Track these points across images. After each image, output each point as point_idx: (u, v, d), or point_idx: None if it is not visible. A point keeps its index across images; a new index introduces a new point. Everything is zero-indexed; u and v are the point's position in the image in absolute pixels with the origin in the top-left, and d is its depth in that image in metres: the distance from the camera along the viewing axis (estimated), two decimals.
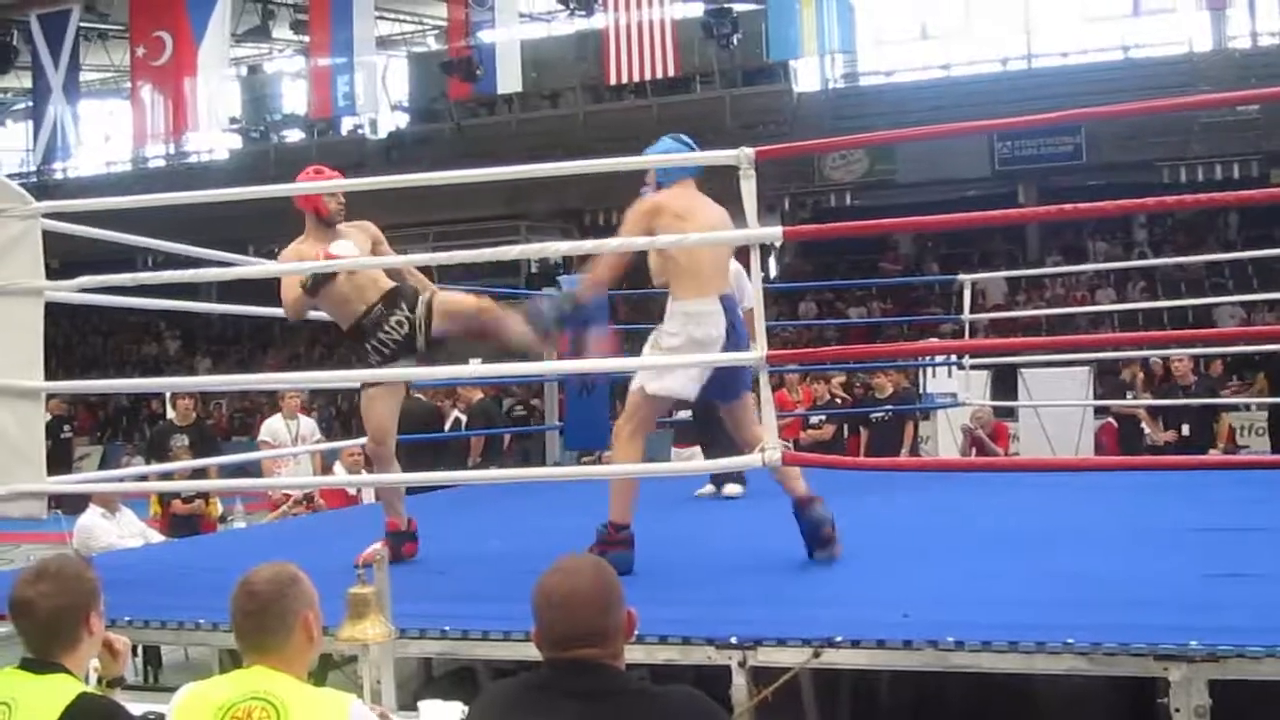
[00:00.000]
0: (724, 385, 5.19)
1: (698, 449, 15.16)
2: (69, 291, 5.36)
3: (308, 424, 10.63)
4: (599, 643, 2.52)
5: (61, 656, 2.92)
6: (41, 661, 2.92)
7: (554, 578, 2.59)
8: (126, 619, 4.43)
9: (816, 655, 3.76)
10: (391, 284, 5.86)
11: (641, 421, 5.29)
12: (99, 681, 3.14)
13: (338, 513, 8.99)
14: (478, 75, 19.74)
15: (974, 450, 11.34)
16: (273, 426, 10.42)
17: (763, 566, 5.43)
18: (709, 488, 7.94)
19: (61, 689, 2.85)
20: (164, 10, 19.93)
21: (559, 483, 8.55)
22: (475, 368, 9.47)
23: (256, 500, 10.53)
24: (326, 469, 10.15)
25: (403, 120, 29.58)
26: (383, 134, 28.60)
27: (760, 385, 4.47)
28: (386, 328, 5.73)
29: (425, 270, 6.17)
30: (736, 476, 7.74)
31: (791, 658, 3.79)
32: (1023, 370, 12.97)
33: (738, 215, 4.52)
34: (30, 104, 24.58)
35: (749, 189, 4.32)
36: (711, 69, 25.83)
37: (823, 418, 12.15)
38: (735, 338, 5.09)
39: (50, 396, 7.93)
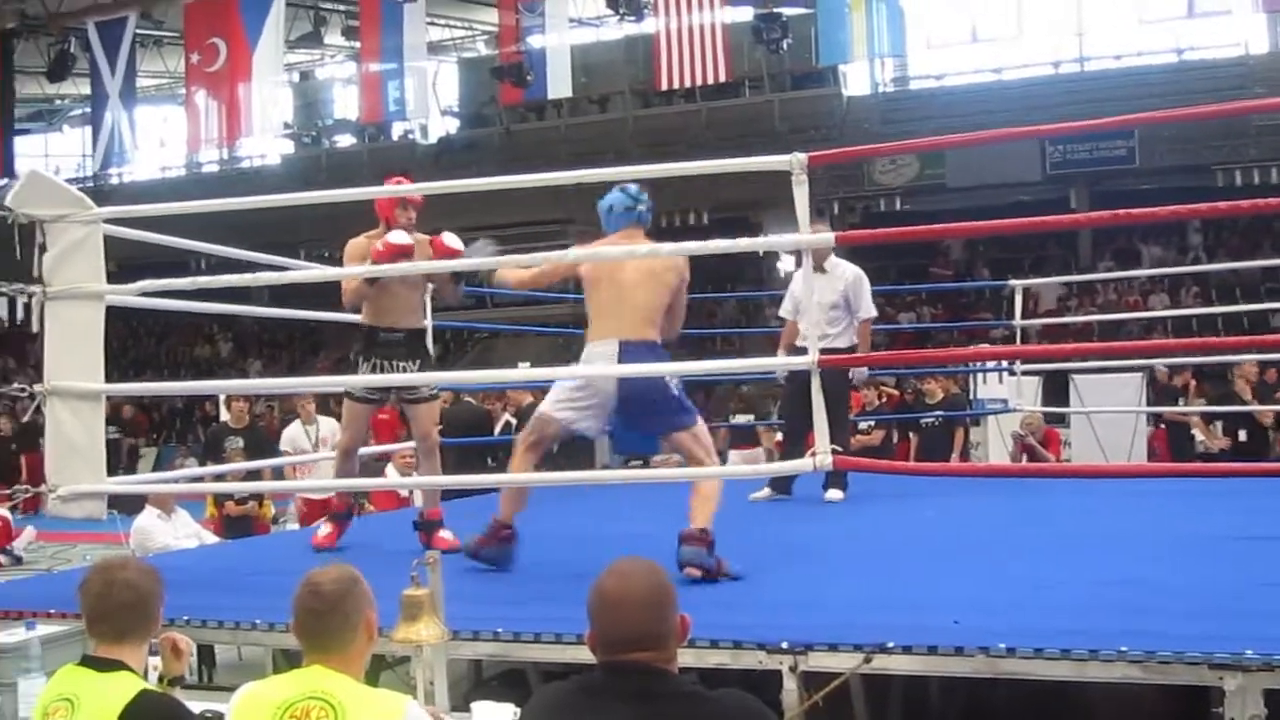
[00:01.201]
0: (654, 423, 5.34)
1: (759, 450, 15.25)
2: (129, 295, 5.44)
3: (328, 426, 10.61)
4: (653, 646, 2.53)
5: (124, 653, 2.98)
6: (103, 659, 2.97)
7: (609, 581, 2.60)
8: (185, 619, 4.49)
9: (868, 660, 3.76)
10: (421, 325, 6.24)
11: (534, 438, 5.46)
12: (159, 680, 3.19)
13: (387, 515, 9.06)
14: (528, 80, 19.83)
15: (1024, 456, 11.26)
16: (292, 434, 10.42)
17: (813, 571, 5.43)
18: (765, 491, 7.83)
19: (123, 686, 2.90)
20: (219, 17, 20.17)
21: (607, 486, 8.57)
22: (525, 371, 9.53)
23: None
24: (374, 473, 10.21)
25: (453, 125, 29.77)
26: (433, 139, 28.79)
27: (813, 390, 4.48)
28: (385, 365, 6.02)
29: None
30: (837, 482, 7.64)
31: (843, 663, 3.79)
32: (1074, 376, 12.85)
33: (792, 218, 4.52)
34: (88, 110, 24.92)
35: (801, 194, 4.33)
36: (761, 73, 25.80)
37: (872, 423, 12.10)
38: (630, 384, 5.17)
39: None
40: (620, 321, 5.27)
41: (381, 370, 6.03)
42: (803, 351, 7.43)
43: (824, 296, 7.53)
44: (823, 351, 7.21)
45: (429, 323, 6.64)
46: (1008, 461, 11.47)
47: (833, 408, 7.57)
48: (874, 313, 7.95)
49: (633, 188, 5.58)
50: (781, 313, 8.15)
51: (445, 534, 6.10)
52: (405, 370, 6.05)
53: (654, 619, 2.55)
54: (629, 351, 5.18)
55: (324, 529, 6.44)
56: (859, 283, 7.79)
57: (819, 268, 7.53)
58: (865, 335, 7.85)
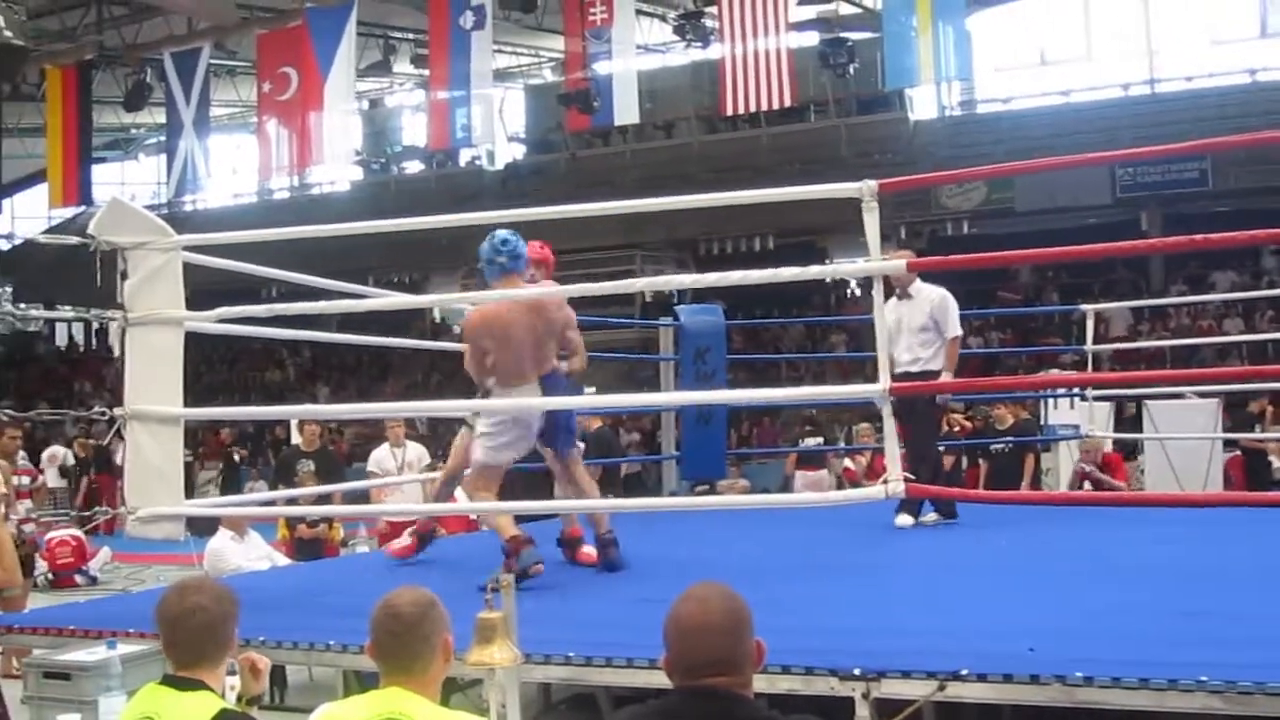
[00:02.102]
0: (555, 440, 6.24)
1: (824, 473, 15.19)
2: (208, 321, 5.53)
3: (415, 450, 10.71)
4: (729, 671, 2.53)
5: (202, 673, 3.01)
6: (183, 678, 3.01)
7: (687, 606, 2.59)
8: (260, 639, 4.54)
9: (942, 688, 3.73)
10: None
11: (482, 484, 6.18)
12: (238, 699, 3.23)
13: (457, 539, 9.10)
14: (595, 107, 19.93)
15: (1085, 485, 11.01)
16: (378, 456, 10.52)
17: (886, 598, 5.40)
18: (905, 518, 7.82)
19: (203, 705, 2.93)
20: (290, 47, 20.49)
21: (675, 512, 8.56)
22: (592, 398, 9.55)
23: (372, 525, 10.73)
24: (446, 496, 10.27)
25: (519, 151, 30.01)
26: (499, 165, 29.03)
27: (884, 417, 4.46)
28: None
29: None
30: (943, 510, 7.84)
31: (916, 690, 3.76)
32: (1148, 402, 12.67)
33: (858, 243, 4.52)
34: (163, 139, 25.42)
35: (872, 221, 4.33)
36: (826, 98, 25.76)
37: (941, 449, 12.00)
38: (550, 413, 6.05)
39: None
40: (534, 364, 5.97)
41: None
42: (901, 379, 7.55)
43: (913, 320, 7.83)
44: (918, 374, 7.61)
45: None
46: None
47: (920, 432, 7.74)
48: (960, 331, 8.06)
49: (500, 236, 5.95)
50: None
51: (587, 549, 6.51)
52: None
53: (731, 644, 2.55)
54: (547, 384, 5.97)
55: (404, 540, 6.95)
56: (945, 303, 7.91)
57: (905, 294, 7.86)
58: (953, 354, 7.93)
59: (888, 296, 7.98)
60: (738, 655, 2.55)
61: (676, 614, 2.58)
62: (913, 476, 6.37)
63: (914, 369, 7.79)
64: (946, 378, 7.82)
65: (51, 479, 18.11)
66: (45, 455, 18.78)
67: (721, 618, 2.56)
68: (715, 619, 2.55)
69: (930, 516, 7.85)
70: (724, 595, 2.61)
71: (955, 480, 11.71)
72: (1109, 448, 11.87)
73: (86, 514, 8.16)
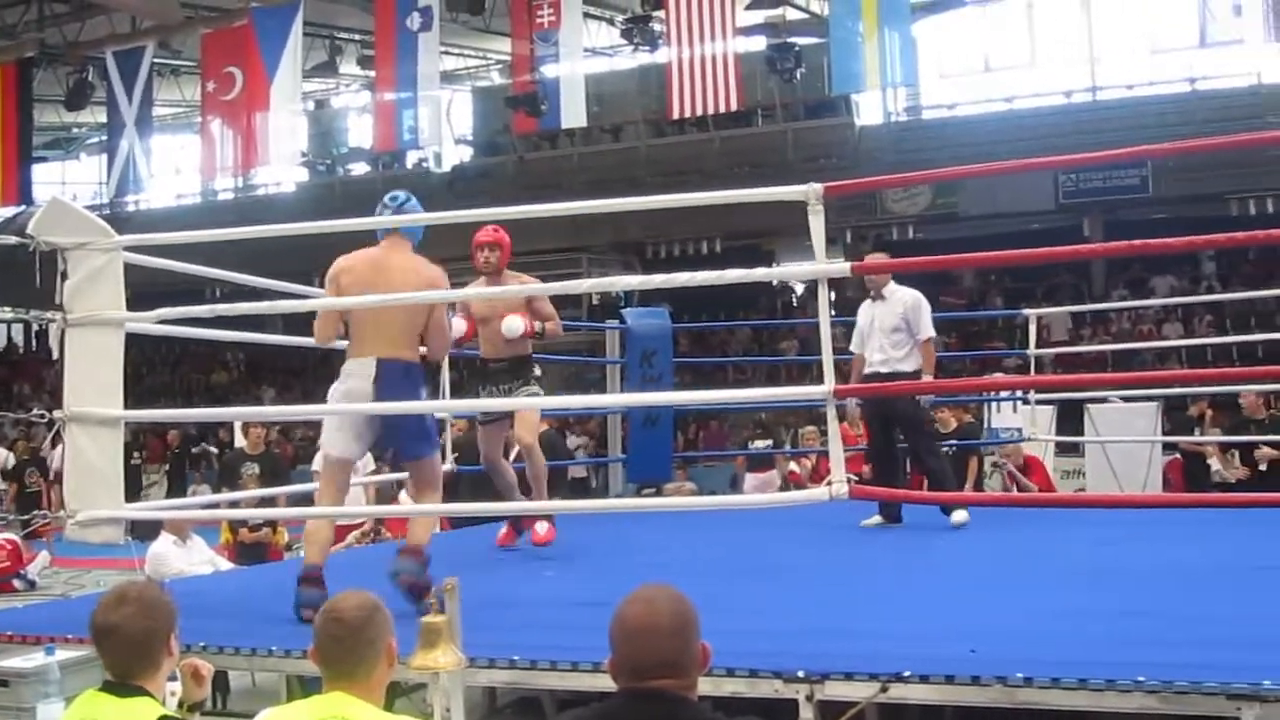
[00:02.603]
0: (396, 442, 5.58)
1: (773, 473, 15.24)
2: (149, 322, 5.48)
3: None
4: (676, 674, 2.53)
5: (142, 679, 2.98)
6: (123, 684, 2.98)
7: (634, 608, 2.59)
8: (201, 644, 4.50)
9: (884, 690, 3.76)
10: (522, 351, 6.93)
11: (325, 477, 5.63)
12: (179, 705, 3.20)
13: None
14: (542, 110, 19.88)
15: (1014, 486, 11.09)
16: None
17: (830, 600, 5.44)
18: (876, 519, 7.95)
19: (143, 711, 2.91)
20: (236, 47, 20.28)
21: (620, 515, 8.57)
22: (538, 399, 9.52)
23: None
24: (388, 499, 10.21)
25: (466, 154, 29.90)
26: (446, 167, 28.92)
27: (829, 419, 4.49)
28: (492, 390, 6.97)
29: None
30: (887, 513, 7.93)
31: (859, 692, 3.79)
32: (1089, 405, 12.83)
33: (804, 247, 4.54)
34: (104, 138, 25.08)
35: (817, 224, 4.36)
36: (774, 102, 25.87)
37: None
38: (388, 396, 5.22)
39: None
40: (378, 341, 5.28)
41: (489, 395, 7.00)
42: (869, 380, 7.85)
43: (885, 321, 8.01)
44: (889, 375, 7.78)
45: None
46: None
47: (913, 436, 8.07)
48: (933, 333, 8.16)
49: (394, 196, 5.65)
50: (852, 347, 8.40)
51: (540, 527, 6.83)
52: (509, 394, 6.87)
53: (678, 646, 2.55)
54: (386, 371, 5.24)
55: (504, 529, 7.35)
56: (918, 305, 8.03)
57: (878, 295, 8.05)
58: (928, 355, 8.03)
59: (861, 299, 8.17)
60: (684, 658, 2.55)
61: (623, 615, 2.58)
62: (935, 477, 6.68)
63: (884, 369, 7.92)
64: (927, 378, 7.97)
65: None
66: None
67: (668, 620, 2.56)
68: (662, 620, 2.55)
69: (874, 520, 7.92)
70: (671, 597, 2.61)
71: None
72: (1050, 451, 12.00)
73: (25, 518, 8.03)
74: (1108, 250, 13.59)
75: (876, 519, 7.93)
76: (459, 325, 6.70)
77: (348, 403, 5.27)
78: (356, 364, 5.27)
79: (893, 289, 8.07)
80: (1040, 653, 3.96)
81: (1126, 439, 12.53)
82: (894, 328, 7.96)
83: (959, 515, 7.70)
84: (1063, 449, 13.22)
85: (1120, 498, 8.35)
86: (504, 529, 7.33)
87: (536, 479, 6.86)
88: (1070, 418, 13.36)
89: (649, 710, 2.51)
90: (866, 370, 8.07)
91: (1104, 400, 12.74)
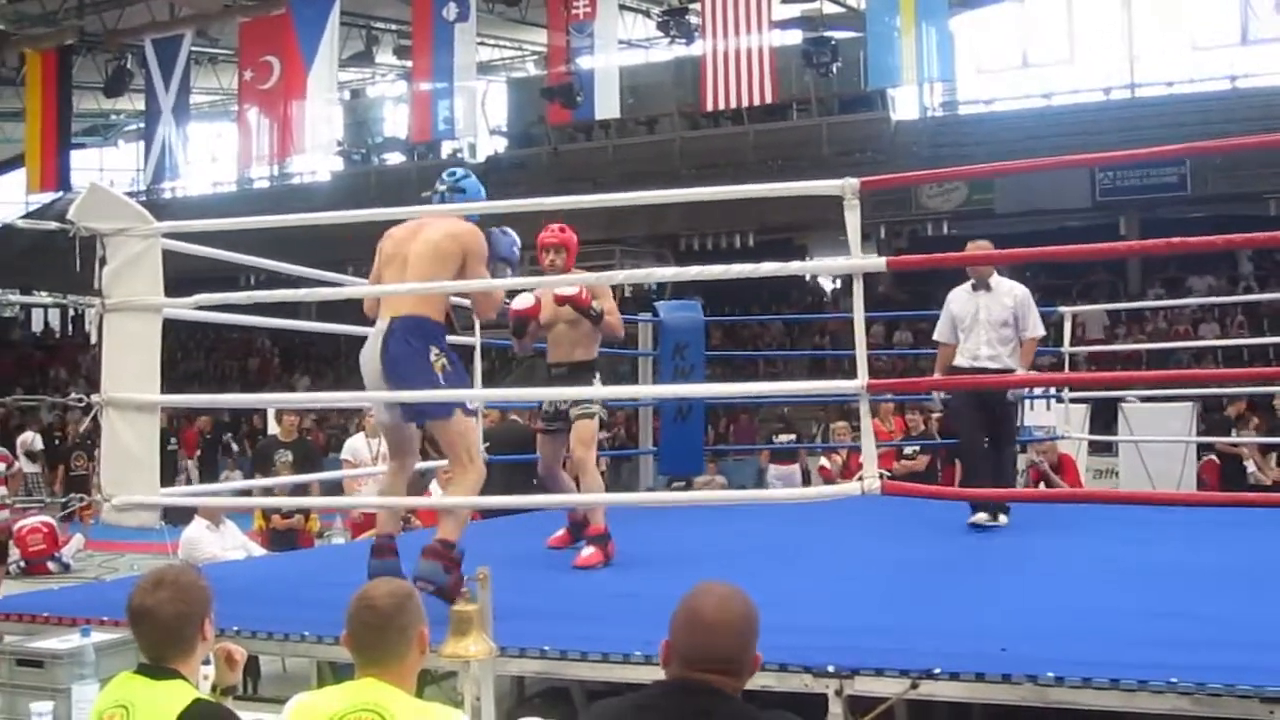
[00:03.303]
0: (408, 407, 5.12)
1: (795, 467, 15.17)
2: (186, 308, 5.51)
3: None
4: (731, 671, 2.55)
5: (176, 662, 3.01)
6: (157, 667, 3.00)
7: (708, 600, 2.60)
8: (235, 629, 4.53)
9: (914, 686, 3.75)
10: (583, 358, 6.60)
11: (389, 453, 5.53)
12: (212, 689, 3.22)
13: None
14: (577, 101, 19.90)
15: (1039, 485, 10.97)
16: (354, 445, 10.43)
17: (860, 595, 5.43)
18: (982, 515, 7.48)
19: (177, 694, 2.93)
20: (273, 36, 20.40)
21: (651, 507, 8.58)
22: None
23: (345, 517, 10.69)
24: (419, 489, 10.24)
25: (501, 144, 29.96)
26: (481, 158, 28.98)
27: (862, 414, 4.48)
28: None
29: None
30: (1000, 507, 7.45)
31: (889, 688, 3.78)
32: (1123, 405, 12.74)
33: (837, 242, 4.54)
34: (142, 125, 25.27)
35: (853, 219, 4.34)
36: (809, 96, 25.81)
37: (917, 448, 12.03)
38: (393, 349, 4.99)
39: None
40: (399, 300, 5.07)
41: (549, 407, 6.66)
42: (961, 373, 7.49)
43: (992, 315, 7.50)
44: (997, 371, 7.38)
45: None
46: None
47: (1006, 435, 7.62)
48: (1042, 331, 7.74)
49: (451, 172, 5.59)
50: (937, 336, 7.83)
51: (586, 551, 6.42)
52: (564, 415, 6.55)
53: (740, 645, 2.58)
54: (397, 327, 5.00)
55: (560, 531, 6.97)
56: (1029, 300, 7.61)
57: (982, 285, 7.56)
58: (1029, 353, 7.62)
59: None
60: (742, 658, 2.58)
61: (694, 605, 2.59)
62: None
63: (992, 365, 7.43)
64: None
65: (26, 465, 18.07)
66: (19, 441, 18.71)
67: (738, 618, 2.59)
68: (733, 618, 2.58)
69: (981, 516, 7.45)
70: (742, 598, 2.63)
71: (930, 480, 11.76)
72: (1083, 450, 11.92)
73: (62, 500, 8.14)
74: (1145, 248, 13.49)
75: (983, 515, 7.45)
76: (526, 298, 6.43)
77: (364, 364, 5.11)
78: (378, 324, 5.11)
79: (998, 280, 7.59)
80: (1072, 652, 3.93)
81: (1161, 439, 12.43)
82: (1003, 321, 7.48)
83: (981, 515, 7.37)
84: (1096, 448, 13.12)
85: (1154, 495, 8.25)
86: (561, 531, 6.99)
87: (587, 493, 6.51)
88: (1104, 417, 13.28)
89: (691, 702, 2.52)
90: (968, 364, 7.51)
91: (1138, 400, 12.65)
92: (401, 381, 4.96)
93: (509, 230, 5.66)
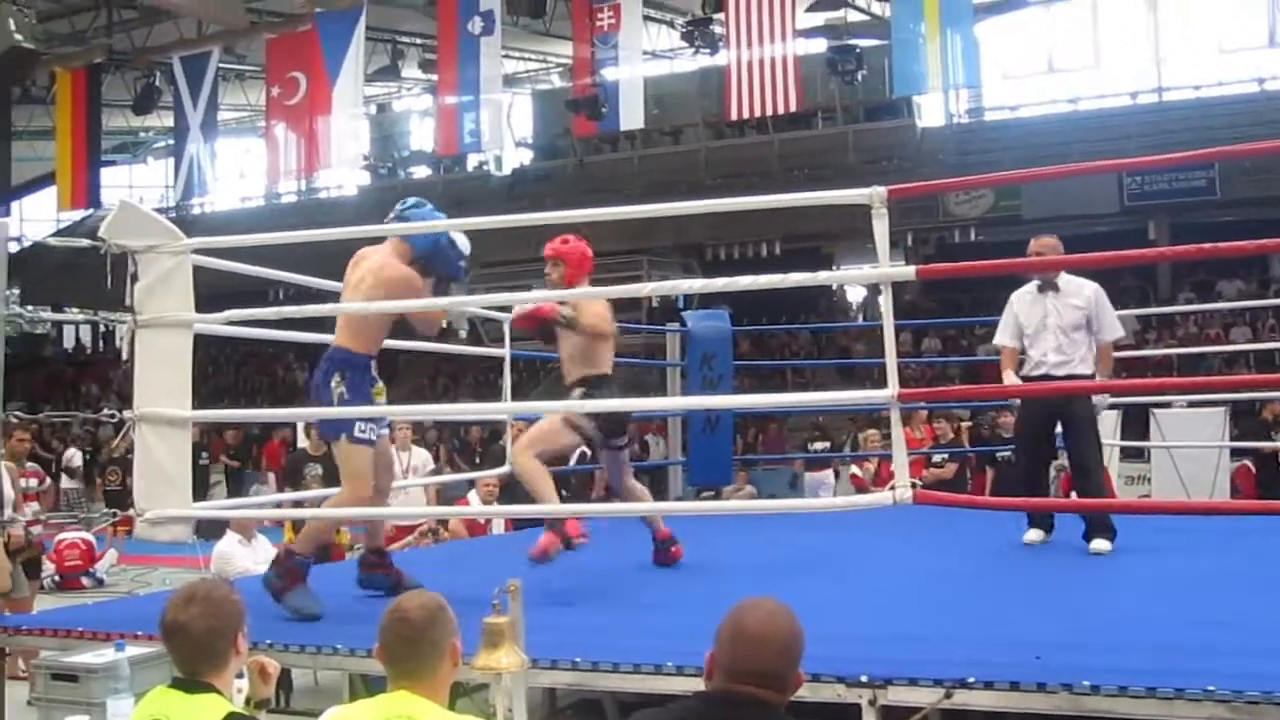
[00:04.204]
0: (324, 424, 5.81)
1: (829, 472, 15.14)
2: (217, 324, 5.55)
3: (420, 455, 10.71)
4: (776, 686, 2.56)
5: (210, 676, 3.02)
6: (192, 680, 3.02)
7: (756, 614, 2.61)
8: (268, 642, 4.55)
9: (949, 696, 3.72)
10: (583, 373, 6.24)
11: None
12: (246, 702, 3.24)
13: (464, 543, 9.11)
14: (602, 112, 19.95)
15: (1070, 492, 10.87)
16: None
17: (892, 604, 5.40)
18: (1035, 534, 7.07)
19: (211, 708, 2.94)
20: (299, 52, 20.53)
21: (680, 517, 8.55)
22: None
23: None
24: (446, 500, 10.29)
25: (526, 156, 30.06)
26: (507, 170, 29.08)
27: (893, 423, 4.47)
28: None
29: None
30: (1103, 531, 6.71)
31: (923, 697, 3.76)
32: (1155, 410, 12.66)
33: (864, 250, 4.53)
34: (171, 142, 25.47)
35: (881, 227, 4.33)
36: (834, 104, 25.79)
37: (945, 456, 12.00)
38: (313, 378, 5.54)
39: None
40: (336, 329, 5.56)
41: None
42: (1041, 380, 6.91)
43: (1063, 317, 6.89)
44: (1066, 378, 6.77)
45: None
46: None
47: (1085, 441, 6.94)
48: (1120, 332, 7.15)
49: (404, 200, 5.79)
50: (999, 340, 7.23)
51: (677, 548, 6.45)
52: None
53: (787, 662, 2.59)
54: (323, 356, 5.51)
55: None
56: (1101, 299, 6.96)
57: (1050, 285, 6.97)
58: (1107, 357, 7.01)
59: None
60: (788, 674, 2.59)
61: (743, 619, 2.60)
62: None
63: (1060, 371, 6.80)
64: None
65: (65, 481, 18.29)
66: (64, 457, 19.02)
67: (786, 634, 2.60)
68: (781, 634, 2.59)
69: (1034, 535, 7.05)
70: (789, 615, 2.64)
71: (959, 488, 11.72)
72: (1115, 456, 11.84)
73: (95, 515, 8.20)
74: (1176, 254, 13.32)
75: (1038, 534, 7.04)
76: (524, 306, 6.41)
77: None
78: None
79: (1068, 279, 6.95)
80: (1107, 660, 3.91)
81: (1194, 444, 12.34)
82: (1075, 324, 6.84)
83: (1100, 544, 6.65)
84: (1128, 454, 13.03)
85: (1189, 504, 8.19)
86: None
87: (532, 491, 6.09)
88: (1135, 422, 13.20)
89: (735, 714, 2.53)
90: (1036, 371, 6.89)
91: (1170, 405, 12.56)
92: (315, 404, 5.55)
93: (460, 242, 5.76)
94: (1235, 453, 12.84)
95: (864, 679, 3.83)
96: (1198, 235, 10.15)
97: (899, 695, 3.80)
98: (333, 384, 5.35)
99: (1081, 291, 6.94)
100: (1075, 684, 3.65)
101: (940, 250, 24.30)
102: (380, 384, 5.61)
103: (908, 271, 4.78)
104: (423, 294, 5.45)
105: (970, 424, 13.58)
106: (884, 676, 3.82)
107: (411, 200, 5.77)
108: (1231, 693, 3.49)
